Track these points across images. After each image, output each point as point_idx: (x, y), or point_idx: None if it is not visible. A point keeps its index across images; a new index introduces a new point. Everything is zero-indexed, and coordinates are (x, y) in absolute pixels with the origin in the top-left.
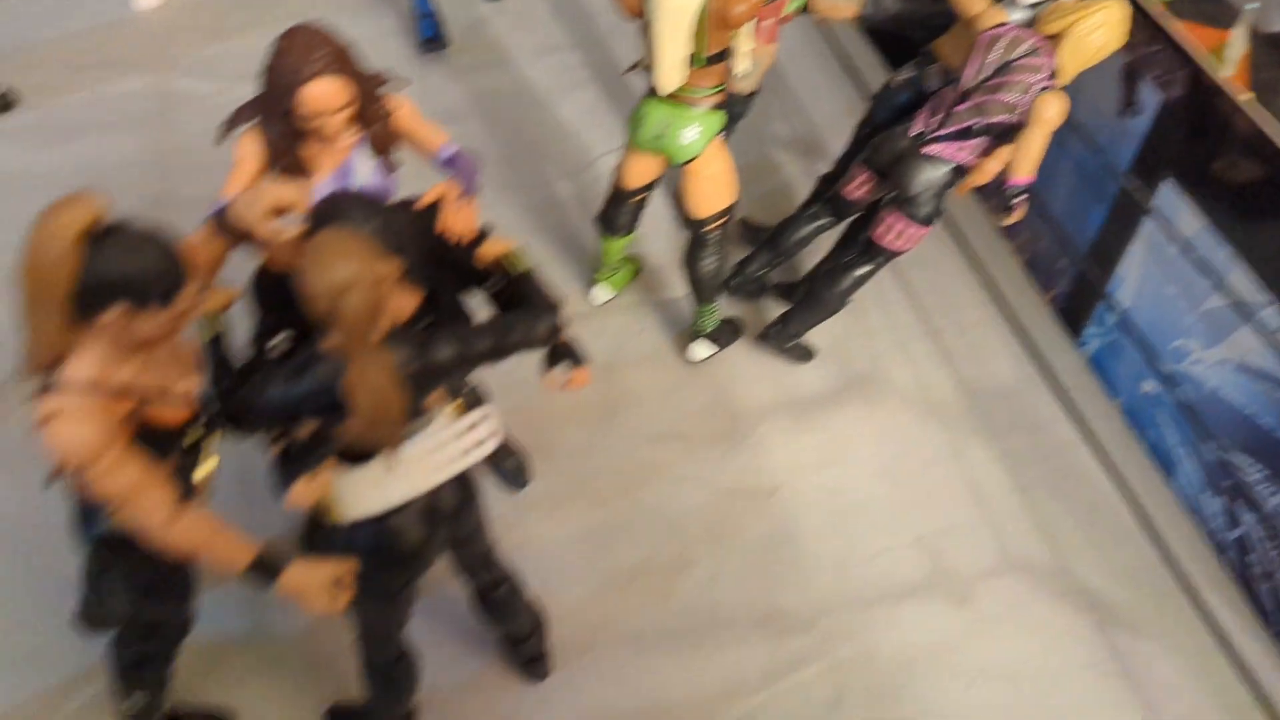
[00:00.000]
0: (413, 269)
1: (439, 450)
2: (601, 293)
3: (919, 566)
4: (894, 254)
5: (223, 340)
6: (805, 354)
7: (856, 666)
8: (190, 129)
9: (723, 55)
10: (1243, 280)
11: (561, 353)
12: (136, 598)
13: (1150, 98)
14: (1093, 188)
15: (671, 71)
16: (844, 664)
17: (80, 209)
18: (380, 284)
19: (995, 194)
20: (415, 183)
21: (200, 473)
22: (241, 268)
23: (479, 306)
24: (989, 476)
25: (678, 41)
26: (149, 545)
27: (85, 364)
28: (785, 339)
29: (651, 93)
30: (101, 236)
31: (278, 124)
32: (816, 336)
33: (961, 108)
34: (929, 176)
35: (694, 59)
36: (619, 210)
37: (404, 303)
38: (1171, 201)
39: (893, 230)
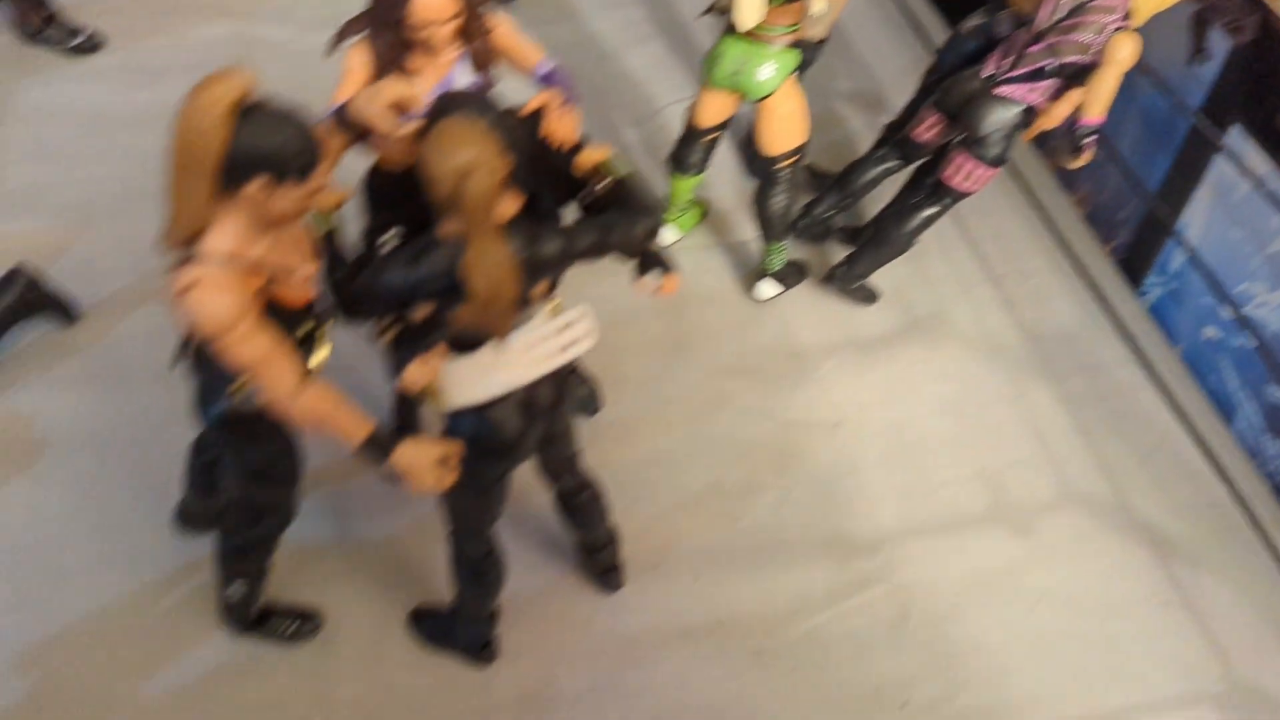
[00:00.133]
0: (517, 172)
1: (539, 344)
2: (669, 233)
3: (981, 498)
4: (961, 195)
5: (335, 236)
6: (869, 296)
7: (921, 589)
8: (269, 73)
9: None
10: None
11: (653, 260)
12: (248, 480)
13: (1220, 44)
14: (1159, 133)
15: (751, 8)
16: (908, 586)
17: (231, 83)
18: (500, 168)
19: (1066, 135)
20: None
21: (314, 360)
22: (350, 171)
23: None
24: (1050, 416)
25: None
26: (271, 421)
27: (223, 237)
28: (851, 280)
29: (729, 31)
30: (248, 111)
31: (386, 35)
32: (879, 280)
33: (1035, 49)
34: (1000, 117)
35: None
36: (691, 149)
37: (508, 204)
38: (1240, 145)
39: (962, 171)
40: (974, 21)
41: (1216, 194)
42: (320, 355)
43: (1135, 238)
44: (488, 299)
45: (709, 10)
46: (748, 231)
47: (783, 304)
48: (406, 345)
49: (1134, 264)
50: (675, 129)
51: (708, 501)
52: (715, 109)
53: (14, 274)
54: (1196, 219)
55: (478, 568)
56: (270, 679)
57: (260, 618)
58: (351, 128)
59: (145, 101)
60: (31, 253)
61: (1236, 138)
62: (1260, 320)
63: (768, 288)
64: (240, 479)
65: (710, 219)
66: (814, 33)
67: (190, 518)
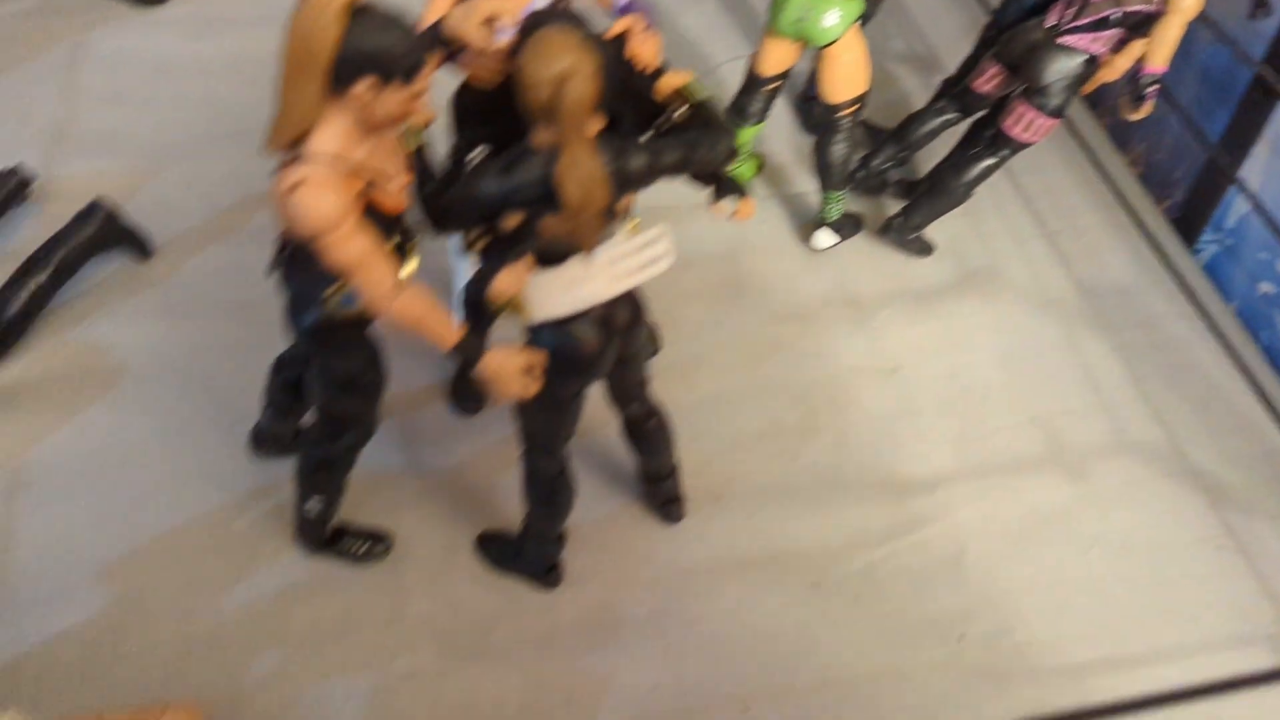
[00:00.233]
0: (604, 92)
1: (620, 261)
2: None
3: (1035, 443)
4: (1020, 146)
5: (424, 152)
6: (925, 248)
7: (976, 529)
8: None
9: None
10: None
11: (729, 184)
12: (335, 391)
13: None
14: (1218, 86)
15: None
16: (964, 526)
17: None
18: (596, 76)
19: (1129, 84)
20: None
21: (404, 271)
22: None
23: None
24: (1104, 366)
25: None
26: (360, 331)
27: (328, 138)
28: (907, 231)
29: None
30: (360, 11)
31: None
32: (934, 234)
33: None
34: (1062, 66)
35: None
36: (752, 98)
37: (596, 122)
38: None
39: (1022, 120)
40: None
41: (1275, 148)
42: (409, 267)
43: (1190, 195)
44: (579, 207)
45: None
46: (803, 184)
47: (839, 254)
48: (494, 256)
49: (1188, 222)
50: (732, 86)
51: (766, 441)
52: (778, 57)
53: (93, 207)
54: (1255, 172)
55: (550, 487)
56: (342, 596)
57: (333, 537)
58: (444, 45)
59: (212, 51)
60: (107, 192)
61: None
62: None
63: (825, 237)
64: (327, 390)
65: (766, 171)
66: None
67: (265, 440)
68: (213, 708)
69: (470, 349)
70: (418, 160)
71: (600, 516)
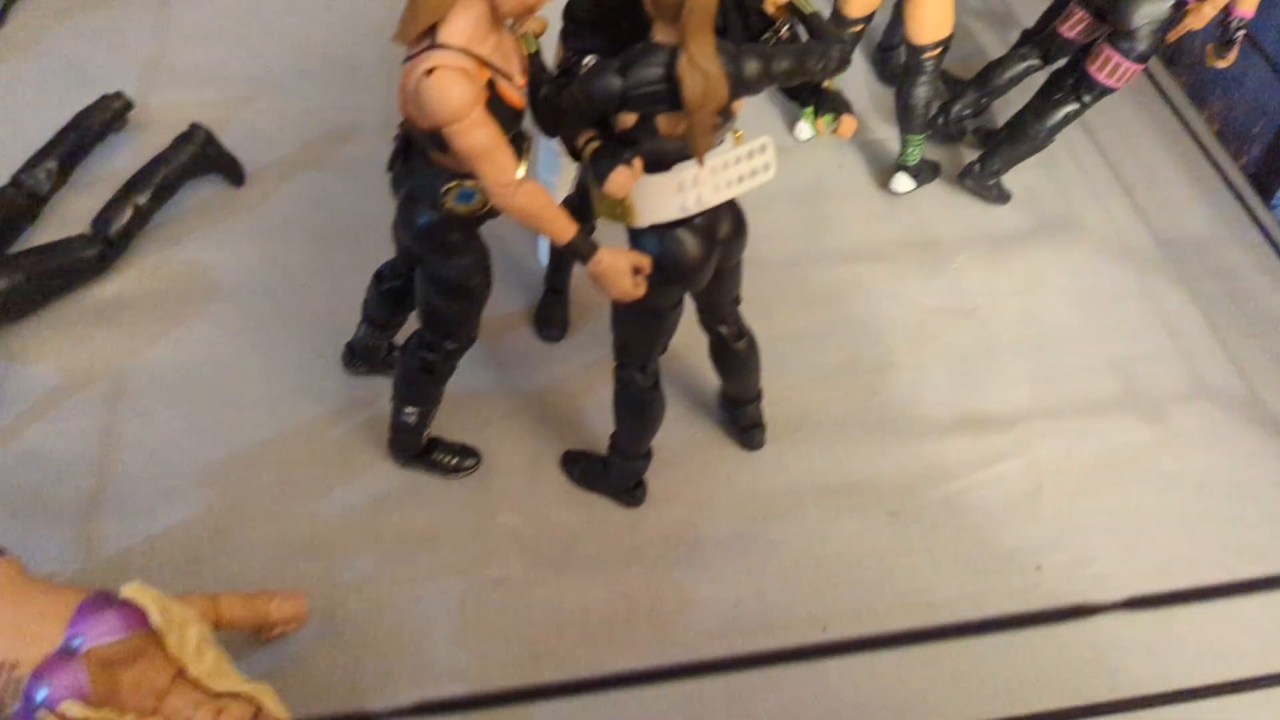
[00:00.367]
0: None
1: (726, 169)
2: (805, 129)
3: (1112, 386)
4: (1104, 91)
5: (538, 58)
6: (1003, 195)
7: (1054, 465)
8: None
9: None
10: None
11: (832, 100)
12: (443, 293)
13: None
14: None
15: None
16: (1042, 461)
17: None
18: None
19: (1219, 28)
20: None
21: (518, 171)
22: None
23: None
24: (1182, 314)
25: None
26: (471, 233)
27: (458, 30)
28: (987, 176)
29: None
30: None
31: None
32: (1010, 183)
33: None
34: (1150, 10)
35: None
36: None
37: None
38: None
39: (1108, 65)
40: None
41: None
42: (521, 169)
43: (1268, 151)
44: (697, 105)
45: None
46: (880, 132)
47: (916, 199)
48: (607, 157)
49: (1264, 178)
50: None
51: (845, 375)
52: (865, 0)
53: (194, 129)
54: None
55: (642, 399)
56: (433, 506)
57: (426, 448)
58: None
59: None
60: (200, 121)
61: None
62: None
63: (904, 181)
64: (435, 293)
65: (823, 135)
66: None
67: (359, 356)
68: (311, 604)
69: (583, 245)
70: (533, 64)
71: (682, 441)
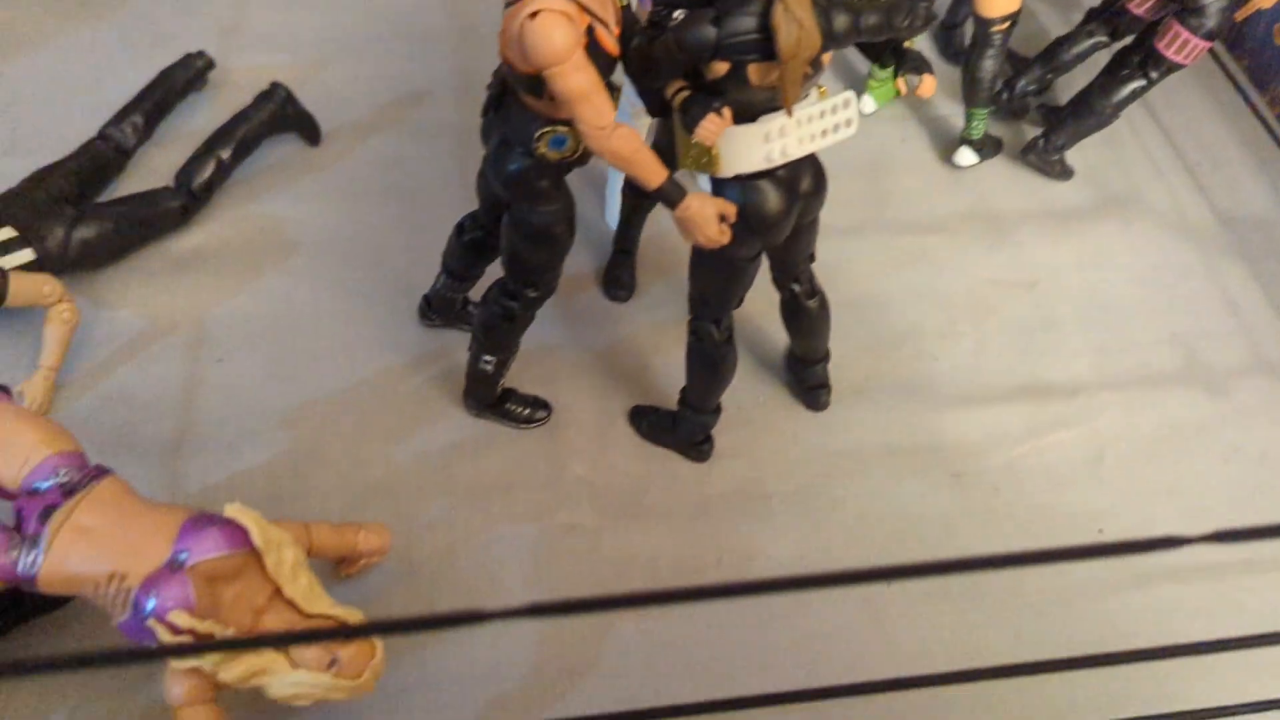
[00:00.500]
0: None
1: (811, 122)
2: (869, 102)
3: (1174, 360)
4: (1171, 68)
5: (630, 9)
6: (1065, 171)
7: (1116, 434)
8: None
9: None
10: None
11: (914, 60)
12: (528, 240)
13: None
14: None
15: None
16: (1104, 431)
17: None
18: None
19: None
20: None
21: None
22: None
23: None
24: (1244, 292)
25: None
26: (558, 181)
27: None
28: (1051, 152)
29: None
30: None
31: None
32: (1073, 160)
33: None
34: None
35: None
36: None
37: None
38: None
39: (1176, 41)
40: None
41: None
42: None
43: None
44: (790, 55)
45: None
46: (943, 109)
47: (979, 173)
48: (697, 105)
49: None
50: None
51: (908, 342)
52: None
53: (275, 87)
54: None
55: (716, 353)
56: (505, 455)
57: (501, 398)
58: None
59: None
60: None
61: None
62: None
63: (967, 155)
64: (520, 240)
65: (907, 94)
66: None
67: (435, 309)
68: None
69: (673, 190)
70: (625, 15)
71: (749, 399)
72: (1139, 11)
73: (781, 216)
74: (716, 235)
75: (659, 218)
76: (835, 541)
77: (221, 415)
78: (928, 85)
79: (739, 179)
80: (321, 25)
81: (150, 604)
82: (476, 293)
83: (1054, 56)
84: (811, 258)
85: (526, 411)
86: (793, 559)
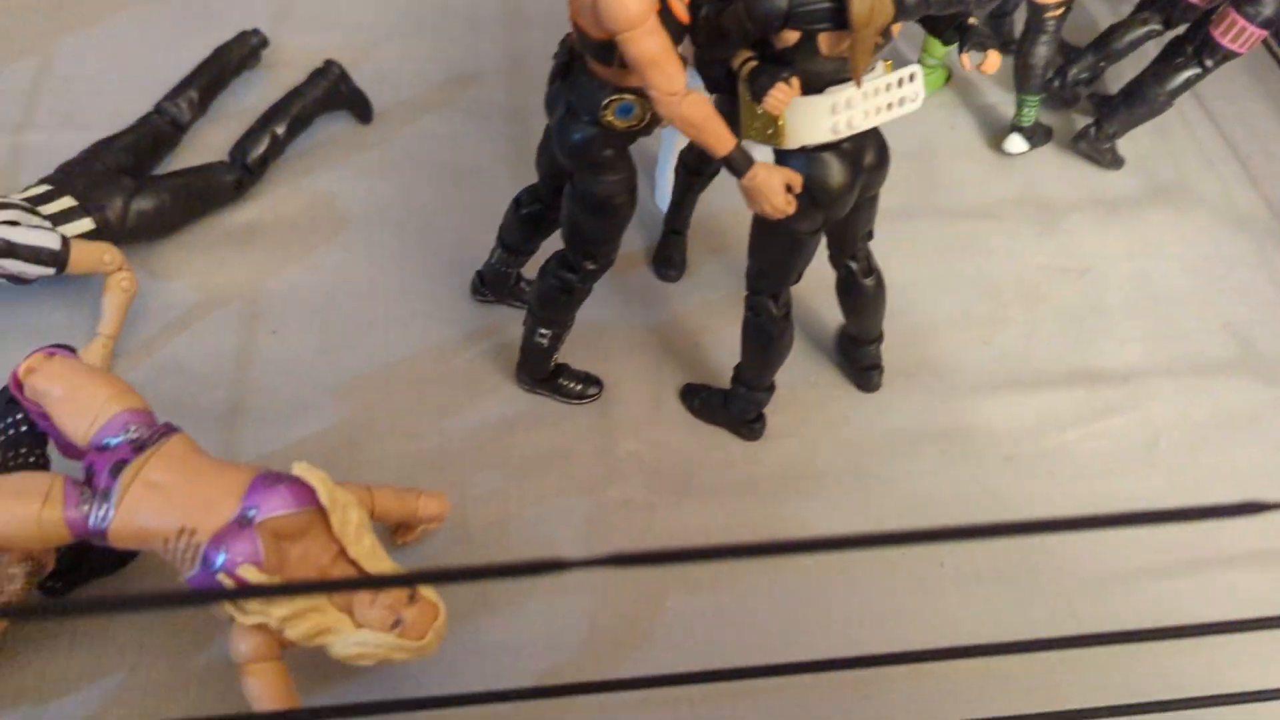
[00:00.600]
0: None
1: (877, 95)
2: None
3: (1228, 348)
4: (1227, 55)
5: None
6: (1116, 160)
7: (1169, 421)
8: None
9: None
10: None
11: (979, 35)
12: (589, 211)
13: None
14: None
15: None
16: (1157, 417)
17: None
18: None
19: None
20: None
21: None
22: None
23: None
24: None
25: None
26: (621, 152)
27: None
28: (1102, 140)
29: None
30: None
31: None
32: (1123, 149)
33: None
34: None
35: None
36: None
37: None
38: None
39: (1233, 29)
40: None
41: None
42: None
43: None
44: (863, 24)
45: None
46: (992, 96)
47: (1029, 161)
48: (766, 75)
49: None
50: None
51: (957, 327)
52: None
53: (328, 65)
54: None
55: (773, 329)
56: (556, 430)
57: (553, 373)
58: None
59: None
60: None
61: None
62: None
63: (1017, 142)
64: (582, 210)
65: (955, 82)
66: None
67: (489, 284)
68: None
69: (741, 158)
70: None
71: (800, 379)
72: (1194, 0)
73: (845, 190)
74: (783, 205)
75: (710, 198)
76: (888, 521)
77: (275, 386)
78: (992, 61)
79: (804, 151)
80: (372, 6)
81: (220, 559)
82: (529, 270)
83: (1107, 44)
84: (869, 235)
85: (578, 387)
86: None
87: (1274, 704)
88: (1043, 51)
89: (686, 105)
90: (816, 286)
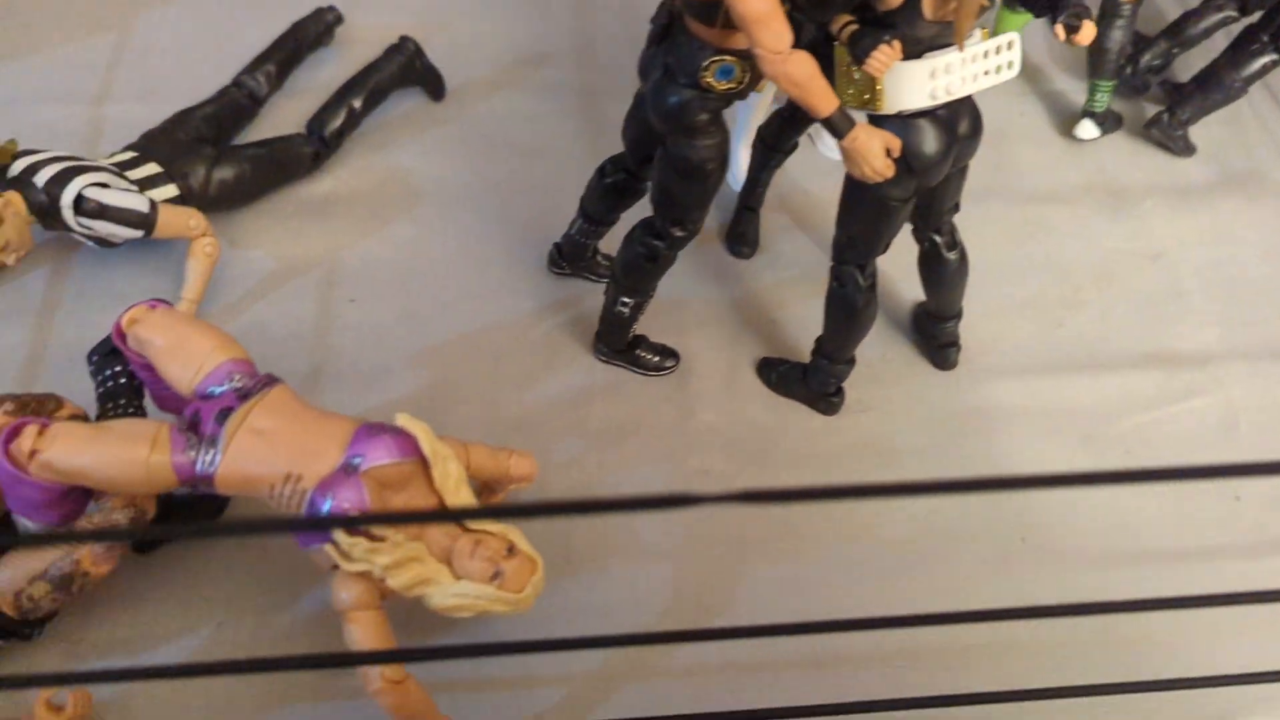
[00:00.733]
0: None
1: (975, 61)
2: None
3: None
4: None
5: None
6: (1188, 147)
7: (1249, 404)
8: None
9: None
10: None
11: (1073, 6)
12: (680, 175)
13: None
14: None
15: None
16: (1236, 401)
17: None
18: None
19: None
20: None
21: None
22: None
23: None
24: None
25: None
26: (715, 117)
27: None
28: (1175, 126)
29: None
30: None
31: None
32: (1195, 137)
33: None
34: None
35: None
36: None
37: None
38: None
39: None
40: None
41: None
42: None
43: None
44: None
45: None
46: (1061, 83)
47: (1100, 147)
48: (868, 37)
49: None
50: None
51: (1031, 309)
52: None
53: (404, 41)
54: None
55: (858, 300)
56: (634, 401)
57: (631, 344)
58: None
59: None
60: None
61: None
62: None
63: (1089, 128)
64: (674, 174)
65: (1025, 69)
66: None
67: (566, 256)
68: None
69: (842, 120)
70: None
71: (876, 355)
72: None
73: (940, 157)
74: (882, 168)
75: (783, 178)
76: (966, 497)
77: (355, 352)
78: (1087, 32)
79: (900, 117)
80: None
81: (327, 505)
82: (607, 245)
83: (1180, 31)
84: (955, 207)
85: (656, 359)
86: (926, 512)
87: None
88: (1118, 36)
89: (792, 64)
90: (894, 264)
